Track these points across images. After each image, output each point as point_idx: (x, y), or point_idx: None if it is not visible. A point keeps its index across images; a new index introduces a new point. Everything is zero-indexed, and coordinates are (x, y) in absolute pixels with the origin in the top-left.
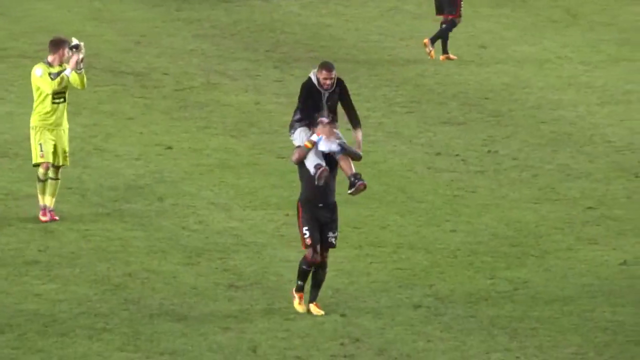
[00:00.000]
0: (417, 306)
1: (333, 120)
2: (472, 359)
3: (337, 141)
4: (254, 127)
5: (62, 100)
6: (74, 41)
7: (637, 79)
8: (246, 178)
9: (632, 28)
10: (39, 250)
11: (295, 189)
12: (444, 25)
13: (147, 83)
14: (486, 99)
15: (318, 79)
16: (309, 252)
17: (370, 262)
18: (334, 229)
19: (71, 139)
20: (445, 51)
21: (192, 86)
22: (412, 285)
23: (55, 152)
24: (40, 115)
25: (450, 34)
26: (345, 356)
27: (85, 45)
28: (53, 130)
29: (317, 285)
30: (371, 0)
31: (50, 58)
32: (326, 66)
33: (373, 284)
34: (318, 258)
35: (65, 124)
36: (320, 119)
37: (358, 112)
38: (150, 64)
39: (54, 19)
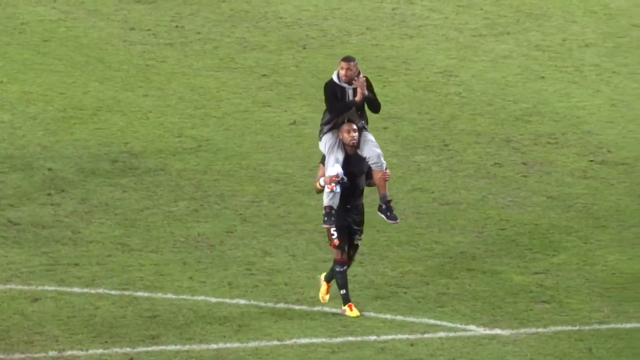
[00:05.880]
0: (114, 161)
1: (361, 118)
2: (162, 206)
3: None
4: None
5: None
6: None
7: None
8: None
9: None
10: None
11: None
12: None
13: None
14: None
15: (338, 74)
16: (336, 253)
17: (74, 123)
18: (360, 232)
19: None
20: None
21: None
22: (110, 143)
23: None
24: None
25: None
26: (52, 204)
27: None
28: None
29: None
30: None
31: None
32: (345, 58)
33: (76, 142)
34: (346, 257)
35: None
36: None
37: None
38: None
39: None
